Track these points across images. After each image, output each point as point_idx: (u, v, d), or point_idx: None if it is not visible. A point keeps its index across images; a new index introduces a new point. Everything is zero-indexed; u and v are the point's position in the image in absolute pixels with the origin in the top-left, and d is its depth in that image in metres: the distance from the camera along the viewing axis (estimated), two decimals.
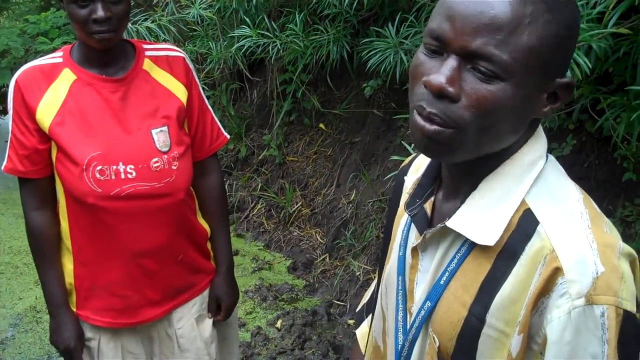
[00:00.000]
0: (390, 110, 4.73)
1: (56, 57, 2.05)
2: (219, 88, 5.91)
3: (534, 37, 0.96)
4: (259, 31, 4.25)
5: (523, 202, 1.07)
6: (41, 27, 6.62)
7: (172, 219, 2.10)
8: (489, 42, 0.95)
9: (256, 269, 4.92)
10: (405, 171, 1.40)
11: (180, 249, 2.17)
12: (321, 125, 5.44)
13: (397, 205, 1.39)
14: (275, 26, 4.31)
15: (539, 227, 1.04)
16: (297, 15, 4.29)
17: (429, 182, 1.23)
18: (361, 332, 1.56)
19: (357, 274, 4.47)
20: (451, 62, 0.99)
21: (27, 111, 1.98)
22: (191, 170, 2.15)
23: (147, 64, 2.08)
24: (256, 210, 5.61)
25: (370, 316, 1.50)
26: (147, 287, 2.13)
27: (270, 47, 4.23)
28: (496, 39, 0.95)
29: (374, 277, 4.42)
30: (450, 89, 0.98)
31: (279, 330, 4.18)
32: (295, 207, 5.34)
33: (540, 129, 1.13)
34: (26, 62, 6.33)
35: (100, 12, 1.87)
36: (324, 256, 4.89)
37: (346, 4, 3.76)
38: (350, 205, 4.89)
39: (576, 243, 1.01)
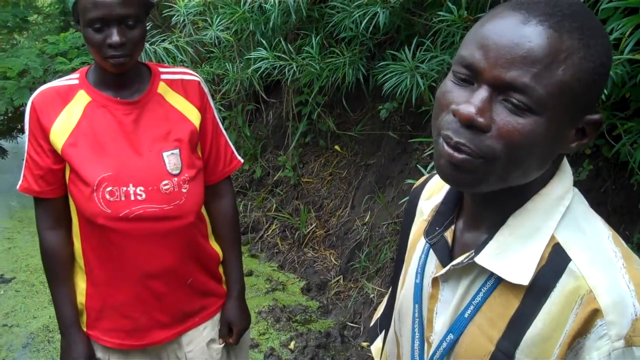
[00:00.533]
0: (405, 132, 4.73)
1: (72, 79, 2.07)
2: (235, 109, 5.94)
3: (569, 73, 0.95)
4: (275, 53, 4.27)
5: (552, 236, 1.05)
6: (60, 48, 6.68)
7: (181, 242, 2.09)
8: (524, 75, 0.94)
9: (270, 289, 4.91)
10: (417, 194, 1.38)
11: (189, 273, 2.16)
12: (336, 147, 5.44)
13: (409, 229, 1.37)
14: (291, 48, 4.32)
15: (571, 265, 1.02)
16: (313, 38, 4.31)
17: (449, 210, 1.21)
18: (376, 348, 1.54)
19: (371, 296, 4.44)
20: (482, 93, 0.97)
21: (41, 132, 1.99)
22: (202, 193, 2.15)
23: (162, 88, 2.09)
24: (270, 230, 5.60)
25: (383, 332, 1.49)
26: (156, 310, 2.13)
27: (286, 70, 4.24)
28: (532, 71, 0.93)
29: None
30: (481, 119, 0.96)
31: (292, 351, 4.16)
32: (310, 228, 5.33)
33: (565, 162, 1.11)
34: (45, 81, 6.39)
35: (115, 38, 1.89)
36: (338, 278, 4.87)
37: (362, 27, 3.76)
38: (365, 227, 4.87)
39: (614, 284, 0.99)
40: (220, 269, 2.32)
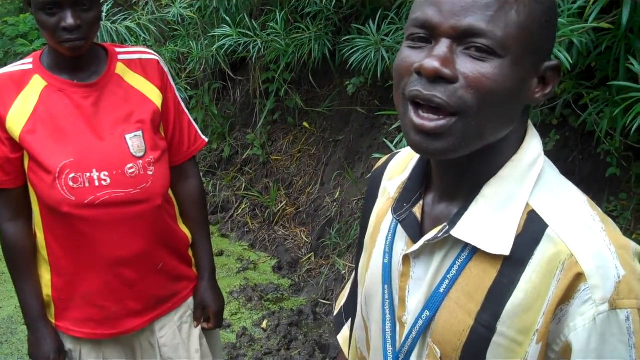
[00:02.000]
0: (373, 107, 4.70)
1: (26, 64, 2.00)
2: (202, 88, 5.86)
3: (523, 13, 0.95)
4: (239, 30, 4.21)
5: (527, 204, 1.03)
6: (20, 29, 6.54)
7: (150, 226, 2.05)
8: (480, 20, 0.94)
9: (241, 269, 4.88)
10: (379, 175, 1.35)
11: (160, 257, 2.12)
12: (305, 124, 5.40)
13: (371, 212, 1.34)
14: (256, 25, 4.27)
15: (548, 231, 1.00)
16: (277, 14, 4.26)
17: (417, 186, 1.18)
18: (343, 337, 1.50)
19: (343, 272, 4.44)
20: (443, 46, 0.96)
21: None
22: (168, 175, 2.10)
23: (120, 68, 2.04)
24: (240, 210, 5.56)
25: (350, 320, 1.47)
26: (128, 298, 2.09)
27: (251, 46, 4.19)
28: (487, 15, 0.94)
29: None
30: (447, 71, 0.95)
31: (264, 330, 4.15)
32: (280, 206, 5.31)
33: (532, 127, 1.10)
34: (6, 64, 6.26)
35: (69, 21, 1.83)
36: (309, 255, 4.86)
37: (326, 2, 3.72)
38: (335, 203, 4.86)
39: (595, 247, 0.98)
40: (190, 252, 2.28)
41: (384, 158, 1.39)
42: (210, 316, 2.30)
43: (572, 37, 2.19)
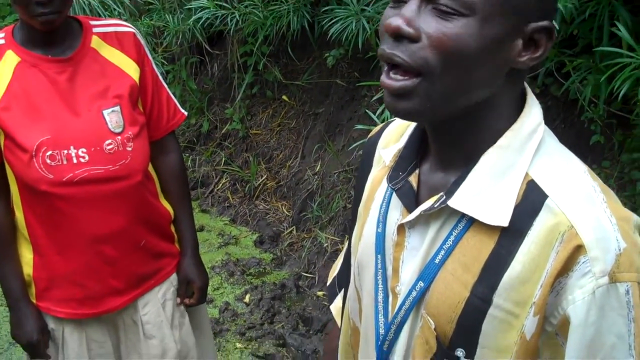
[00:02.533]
0: (353, 79, 4.66)
1: None
2: (178, 62, 5.78)
3: None
4: (216, 2, 4.14)
5: (526, 173, 1.01)
6: None
7: (131, 202, 2.02)
8: None
9: (222, 244, 4.85)
10: (373, 142, 1.32)
11: (141, 234, 2.09)
12: (284, 97, 5.35)
13: (365, 180, 1.31)
14: None
15: (548, 201, 0.98)
16: None
17: (413, 154, 1.15)
18: (335, 307, 1.47)
19: (325, 245, 4.42)
20: (411, 4, 0.96)
21: None
22: (147, 150, 2.07)
23: (96, 42, 1.99)
24: (221, 184, 5.52)
25: (343, 291, 1.44)
26: (110, 276, 2.06)
27: (229, 19, 4.13)
28: None
29: (342, 247, 4.39)
30: (407, 28, 0.94)
31: (247, 305, 4.13)
32: (260, 180, 5.27)
33: (532, 95, 1.07)
34: None
35: None
36: (290, 229, 4.84)
37: None
38: (316, 176, 4.84)
39: (596, 218, 0.95)
40: (172, 228, 2.25)
41: (379, 126, 1.37)
42: (194, 291, 2.27)
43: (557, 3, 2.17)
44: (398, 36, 0.95)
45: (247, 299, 4.17)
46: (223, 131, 5.72)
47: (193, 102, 5.79)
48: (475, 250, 1.02)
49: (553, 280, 0.95)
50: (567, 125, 3.18)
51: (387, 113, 2.80)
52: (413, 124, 1.19)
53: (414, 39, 0.94)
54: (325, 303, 4.26)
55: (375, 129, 1.37)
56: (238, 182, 5.44)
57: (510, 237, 0.99)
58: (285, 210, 5.01)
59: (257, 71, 5.34)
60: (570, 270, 0.94)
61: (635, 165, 2.89)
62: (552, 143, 1.06)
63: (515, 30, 0.96)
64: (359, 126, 3.18)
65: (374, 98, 4.23)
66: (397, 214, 1.15)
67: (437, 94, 0.96)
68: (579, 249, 0.94)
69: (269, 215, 5.05)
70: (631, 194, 2.87)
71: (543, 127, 1.04)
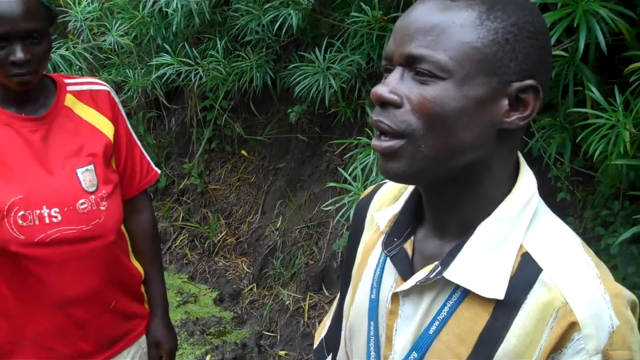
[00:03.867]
0: (314, 135, 4.68)
1: None
2: (136, 117, 5.75)
3: (470, 35, 0.95)
4: (180, 59, 4.15)
5: (520, 245, 1.00)
6: None
7: (103, 262, 1.96)
8: (420, 44, 0.96)
9: (181, 302, 4.76)
10: (365, 205, 1.32)
11: (112, 295, 2.03)
12: (243, 152, 5.34)
13: (357, 243, 1.29)
14: (196, 53, 4.21)
15: (542, 275, 0.97)
16: (218, 42, 4.21)
17: (408, 220, 1.14)
18: None
19: (287, 303, 4.37)
20: (395, 73, 1.00)
21: None
22: (121, 209, 2.02)
23: (70, 100, 1.96)
24: (179, 241, 5.44)
25: (331, 355, 1.41)
26: (79, 339, 1.99)
27: (192, 75, 4.13)
28: (427, 40, 0.96)
29: (304, 305, 4.36)
30: (389, 95, 0.98)
31: None
32: (220, 236, 5.21)
33: (525, 164, 1.07)
34: None
35: (19, 54, 1.74)
36: (251, 286, 4.77)
37: (269, 30, 3.71)
38: (277, 232, 4.80)
39: (590, 295, 0.95)
40: (142, 288, 2.20)
41: (370, 188, 1.36)
42: (163, 355, 2.21)
43: None
44: (383, 103, 0.99)
45: None
46: (181, 186, 5.67)
47: (151, 156, 5.65)
48: (470, 322, 1.01)
49: (547, 356, 0.95)
50: None
51: (356, 170, 2.79)
52: (409, 188, 1.19)
53: (397, 105, 0.98)
54: None
55: (367, 191, 1.36)
56: (197, 238, 5.37)
57: (504, 309, 0.98)
58: (245, 267, 4.95)
59: (217, 126, 5.33)
60: (564, 347, 0.94)
61: (599, 221, 2.93)
62: (546, 214, 1.05)
63: (497, 90, 0.97)
64: (332, 184, 3.16)
65: (336, 153, 4.25)
66: (391, 281, 1.14)
67: (422, 154, 0.98)
68: (573, 326, 0.93)
69: (229, 272, 4.99)
70: (596, 250, 2.90)
71: (537, 197, 1.04)
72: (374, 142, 1.02)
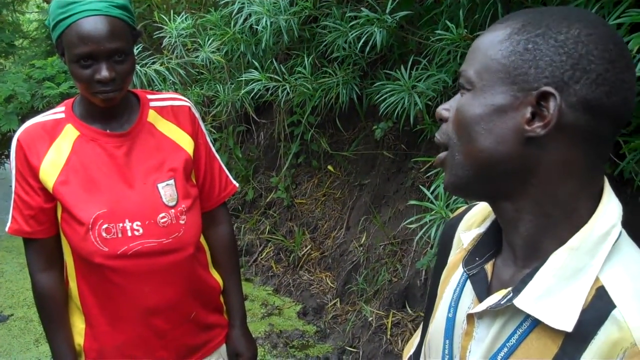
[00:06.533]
0: (400, 152, 4.67)
1: (58, 113, 1.98)
2: (226, 130, 5.87)
3: (494, 49, 1.01)
4: (268, 74, 4.21)
5: (596, 278, 0.97)
6: (47, 72, 6.57)
7: (182, 275, 2.02)
8: (465, 63, 1.06)
9: (265, 314, 4.82)
10: (454, 225, 1.31)
11: (192, 306, 2.08)
12: (329, 167, 5.37)
13: (444, 262, 1.30)
14: (283, 69, 4.27)
15: (615, 312, 0.94)
16: (305, 58, 4.26)
17: (491, 241, 1.14)
18: None
19: (370, 319, 4.36)
20: (457, 95, 1.08)
21: (30, 170, 1.91)
22: (200, 223, 2.07)
23: (152, 116, 2.02)
24: (265, 253, 5.52)
25: None
26: (159, 348, 2.05)
27: (279, 90, 4.19)
28: (468, 58, 1.05)
29: (386, 322, 4.34)
30: (439, 111, 1.10)
31: None
32: (305, 250, 5.25)
33: (610, 191, 1.03)
34: (32, 107, 6.25)
35: (104, 73, 1.80)
36: (334, 301, 4.79)
37: (353, 47, 3.72)
38: (361, 248, 4.80)
39: None
40: (221, 298, 2.24)
41: (461, 208, 1.36)
42: None
43: None
44: (440, 120, 1.10)
45: None
46: (268, 200, 5.75)
47: (239, 170, 5.85)
48: (538, 353, 0.99)
49: None
50: (622, 203, 3.11)
51: (439, 188, 2.77)
52: None
53: (445, 120, 1.09)
54: None
55: (457, 211, 1.36)
56: (282, 251, 5.43)
57: (573, 343, 0.96)
58: (329, 282, 4.97)
59: (304, 141, 5.39)
60: None
61: None
62: (629, 248, 1.01)
63: (517, 98, 0.98)
64: (413, 202, 3.14)
65: (421, 170, 4.22)
66: (468, 301, 1.14)
67: (457, 162, 1.04)
68: None
69: (312, 286, 5.01)
70: None
71: (619, 230, 1.00)
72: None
